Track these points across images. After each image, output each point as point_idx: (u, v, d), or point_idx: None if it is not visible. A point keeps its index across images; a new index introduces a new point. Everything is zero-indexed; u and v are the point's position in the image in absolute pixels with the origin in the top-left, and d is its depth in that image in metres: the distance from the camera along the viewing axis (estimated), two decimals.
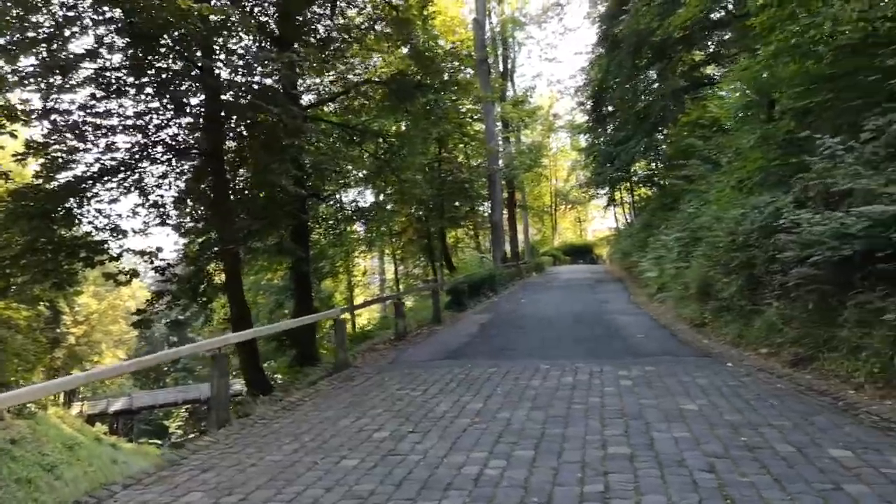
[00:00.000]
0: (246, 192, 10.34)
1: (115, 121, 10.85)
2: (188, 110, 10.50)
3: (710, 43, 26.14)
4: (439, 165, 24.02)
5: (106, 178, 10.96)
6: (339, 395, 7.15)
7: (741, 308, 9.19)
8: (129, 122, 10.88)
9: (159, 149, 11.54)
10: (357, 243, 25.69)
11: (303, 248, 10.93)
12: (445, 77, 15.24)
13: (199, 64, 8.63)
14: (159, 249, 11.28)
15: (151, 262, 10.62)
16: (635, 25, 21.97)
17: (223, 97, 9.55)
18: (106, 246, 10.54)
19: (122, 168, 11.03)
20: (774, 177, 10.33)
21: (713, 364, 7.85)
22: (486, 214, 29.55)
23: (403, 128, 18.65)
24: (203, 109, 10.83)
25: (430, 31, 18.73)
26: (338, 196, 20.21)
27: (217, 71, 10.18)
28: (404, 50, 16.37)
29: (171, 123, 11.44)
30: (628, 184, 36.28)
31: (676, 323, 11.74)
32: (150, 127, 11.24)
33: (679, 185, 19.77)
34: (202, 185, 11.26)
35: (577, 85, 41.26)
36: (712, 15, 23.77)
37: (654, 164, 29.50)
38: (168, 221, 12.02)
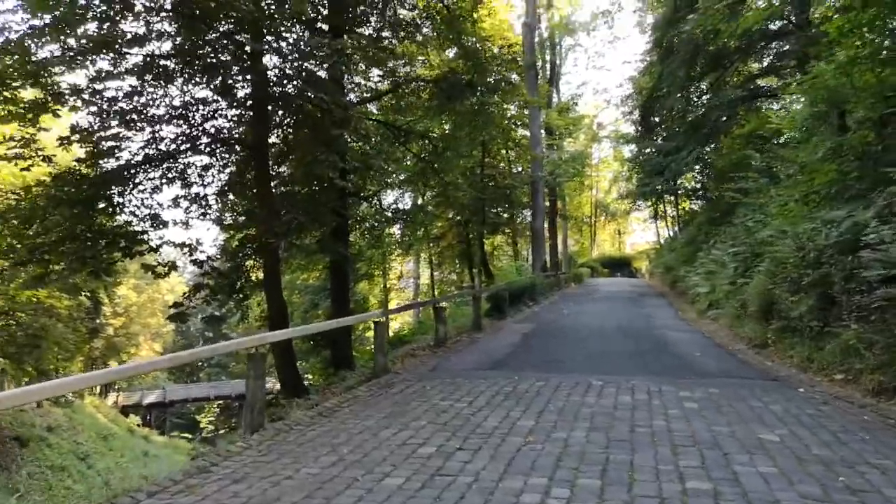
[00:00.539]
0: (289, 186, 10.01)
1: (161, 109, 10.69)
2: (235, 100, 10.25)
3: (767, 54, 25.21)
4: (482, 170, 23.58)
5: (149, 167, 10.81)
6: (378, 403, 6.72)
7: (811, 329, 8.50)
8: (176, 111, 10.69)
9: (204, 139, 11.36)
10: (394, 246, 25.39)
11: (343, 248, 10.58)
12: (494, 79, 14.78)
13: (248, 48, 8.34)
14: (199, 242, 11.07)
15: (191, 255, 10.39)
16: (694, 31, 21.20)
17: (271, 86, 9.26)
18: (146, 236, 10.36)
19: (166, 158, 10.85)
20: (851, 190, 9.59)
21: (782, 388, 7.20)
22: (526, 222, 29.03)
23: (448, 130, 18.23)
24: (250, 101, 10.58)
25: (480, 32, 18.34)
26: (378, 197, 19.90)
27: (266, 56, 9.96)
28: (451, 53, 16.08)
29: (217, 114, 11.26)
30: (673, 196, 35.40)
31: (733, 342, 11.04)
32: (196, 116, 11.06)
33: (731, 199, 18.95)
34: (245, 179, 11.01)
35: (624, 94, 40.68)
36: (771, 25, 22.95)
37: (702, 176, 28.60)
38: (209, 214, 11.81)
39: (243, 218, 12.20)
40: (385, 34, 13.47)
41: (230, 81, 9.36)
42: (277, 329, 10.23)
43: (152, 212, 10.15)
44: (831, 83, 12.99)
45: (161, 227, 10.12)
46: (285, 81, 9.10)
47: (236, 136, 10.91)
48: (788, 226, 11.28)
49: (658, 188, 27.52)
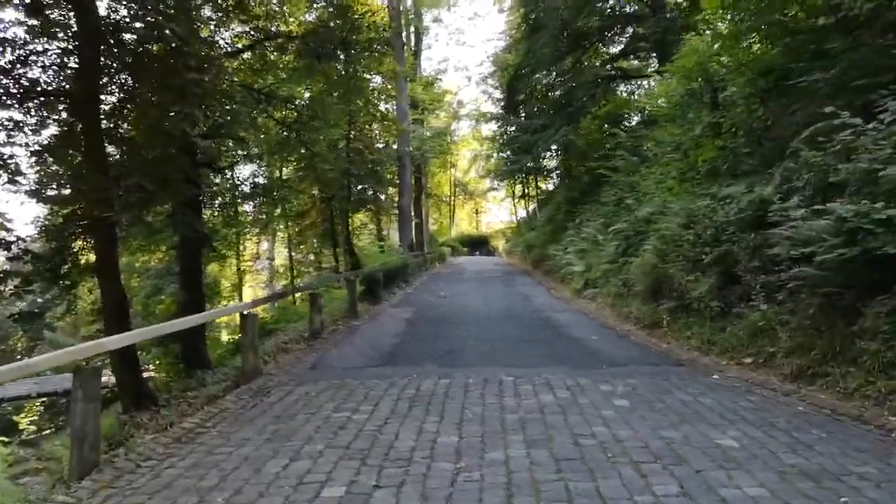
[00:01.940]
0: (130, 148, 8.04)
1: None
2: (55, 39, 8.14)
3: (624, 37, 25.91)
4: (348, 144, 22.07)
5: None
6: (254, 419, 5.39)
7: (711, 310, 8.25)
8: None
9: (13, 90, 9.06)
10: (251, 224, 23.24)
11: (200, 225, 8.89)
12: (368, 37, 13.47)
13: None
14: (6, 220, 8.85)
15: None
16: (561, 8, 21.09)
17: (104, 21, 7.33)
18: None
19: None
20: (743, 166, 9.50)
21: (696, 375, 6.79)
22: (391, 200, 27.96)
23: (314, 96, 16.60)
24: (74, 41, 8.51)
25: None
26: (233, 169, 17.85)
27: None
28: (311, 15, 14.52)
29: (30, 60, 9.00)
30: (534, 176, 35.97)
31: (621, 323, 10.77)
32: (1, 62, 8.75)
33: (601, 176, 19.14)
34: (72, 139, 8.90)
35: (486, 72, 40.69)
36: (628, 8, 23.54)
37: (563, 154, 28.99)
38: (21, 183, 9.51)
39: (69, 190, 10.02)
40: None
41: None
42: (115, 324, 8.38)
43: None
44: (706, 60, 13.12)
45: None
46: (122, 12, 7.22)
47: (56, 86, 8.75)
48: (673, 203, 11.18)
49: (529, 165, 27.54)
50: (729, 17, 11.19)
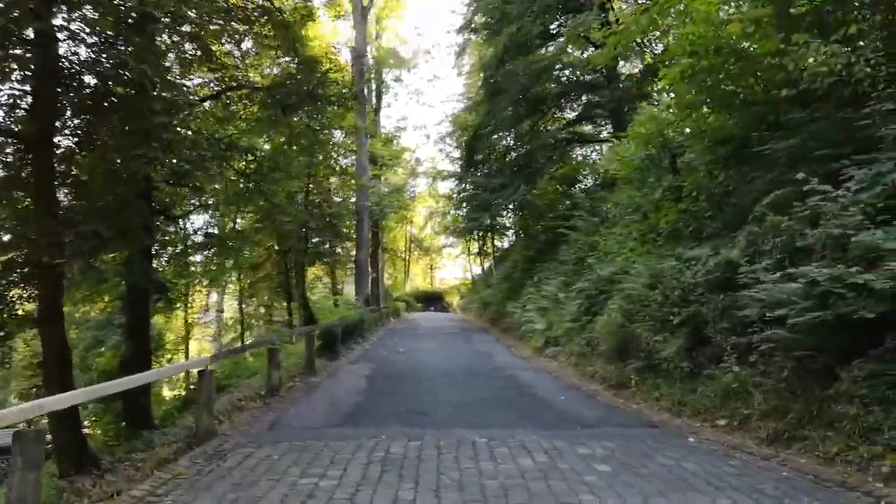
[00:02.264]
0: (84, 192, 7.54)
1: None
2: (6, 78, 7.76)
3: (580, 104, 26.77)
4: (306, 196, 21.82)
5: None
6: (212, 487, 4.95)
7: (681, 370, 8.19)
8: None
9: None
10: (202, 275, 22.51)
11: (154, 274, 8.39)
12: (336, 91, 13.46)
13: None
14: None
15: None
16: (521, 74, 21.69)
17: (63, 59, 7.01)
18: None
19: None
20: (707, 229, 9.65)
21: (672, 438, 6.65)
22: (348, 253, 27.65)
23: (274, 148, 16.41)
24: (27, 83, 8.16)
25: (311, 50, 16.92)
26: (189, 219, 17.32)
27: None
28: (275, 68, 14.49)
29: None
30: (491, 233, 36.27)
31: (586, 382, 10.62)
32: None
33: (559, 234, 19.35)
34: (18, 181, 8.43)
35: (444, 132, 41.38)
36: (586, 77, 24.38)
37: (519, 214, 29.29)
38: None
39: (8, 236, 9.45)
40: (213, 25, 11.47)
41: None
42: (55, 377, 7.79)
43: None
44: (663, 127, 13.54)
45: None
46: (82, 51, 6.91)
47: (4, 127, 8.34)
48: (636, 263, 11.27)
49: (487, 223, 27.71)
50: (685, 87, 11.61)
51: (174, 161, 6.44)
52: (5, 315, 9.83)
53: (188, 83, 12.54)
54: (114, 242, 5.64)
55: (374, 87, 32.17)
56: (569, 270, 17.04)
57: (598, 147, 27.57)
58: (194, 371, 7.00)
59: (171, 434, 7.91)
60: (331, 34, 28.78)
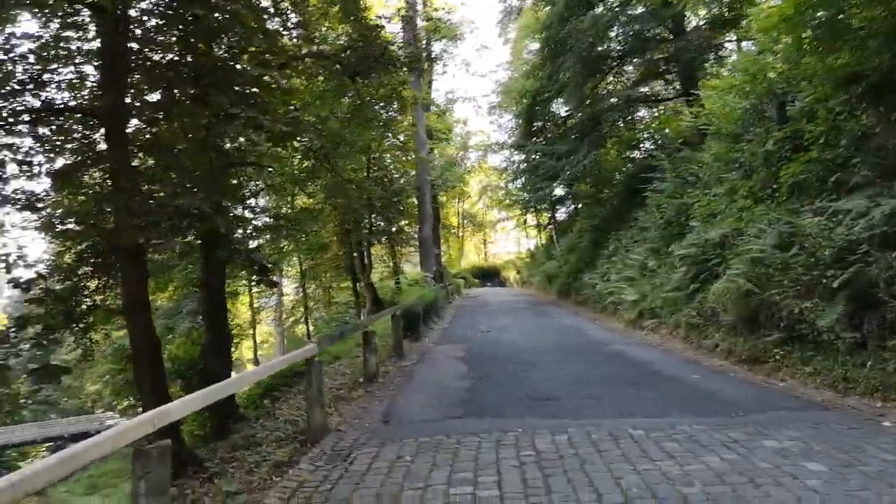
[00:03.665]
0: (174, 163, 6.85)
1: None
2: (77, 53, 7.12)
3: (644, 60, 25.21)
4: (368, 174, 21.08)
5: None
6: (352, 501, 4.18)
7: (843, 341, 7.07)
8: None
9: (26, 115, 8.05)
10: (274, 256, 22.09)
11: (264, 258, 7.67)
12: (402, 54, 12.57)
13: None
14: (22, 255, 7.68)
15: (7, 272, 7.00)
16: (589, 30, 20.34)
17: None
18: None
19: None
20: (855, 177, 8.40)
21: (861, 423, 5.59)
22: (409, 231, 26.92)
23: (340, 119, 15.65)
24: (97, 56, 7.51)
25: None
26: (253, 201, 16.79)
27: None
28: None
29: (42, 78, 7.98)
30: (550, 204, 35.02)
31: (707, 358, 9.57)
32: (12, 81, 7.75)
33: (625, 202, 18.19)
34: (87, 163, 7.83)
35: (494, 103, 40.16)
36: (648, 33, 22.82)
37: (585, 182, 28.03)
38: (38, 217, 8.46)
39: (81, 224, 8.91)
40: None
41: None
42: (145, 373, 7.22)
43: None
44: (765, 74, 12.24)
45: None
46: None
47: (78, 101, 7.73)
48: (752, 223, 10.13)
49: (555, 193, 26.59)
50: (790, 26, 10.27)
51: (268, 125, 5.67)
52: (84, 307, 9.37)
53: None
54: (208, 218, 4.93)
55: (424, 57, 31.07)
56: (655, 237, 15.85)
57: (659, 107, 25.99)
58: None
59: (268, 428, 7.28)
60: (377, 3, 27.87)
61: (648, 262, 15.06)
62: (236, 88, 5.09)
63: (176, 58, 7.17)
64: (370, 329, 8.83)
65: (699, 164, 15.50)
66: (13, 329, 6.88)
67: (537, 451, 4.98)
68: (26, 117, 8.00)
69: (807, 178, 9.68)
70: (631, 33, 23.07)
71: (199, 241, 8.36)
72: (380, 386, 8.40)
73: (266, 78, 5.56)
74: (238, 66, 5.31)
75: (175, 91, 5.90)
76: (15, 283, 6.51)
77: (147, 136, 6.72)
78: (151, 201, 5.37)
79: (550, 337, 12.72)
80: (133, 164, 6.41)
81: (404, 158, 23.41)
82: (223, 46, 6.14)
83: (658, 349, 10.73)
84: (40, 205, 8.25)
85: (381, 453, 5.20)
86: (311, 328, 29.02)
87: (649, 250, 15.59)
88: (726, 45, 22.78)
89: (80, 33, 8.09)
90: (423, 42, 30.19)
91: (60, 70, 8.22)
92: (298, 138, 13.03)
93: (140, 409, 8.84)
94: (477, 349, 11.45)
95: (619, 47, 23.99)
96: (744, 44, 21.32)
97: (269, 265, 6.60)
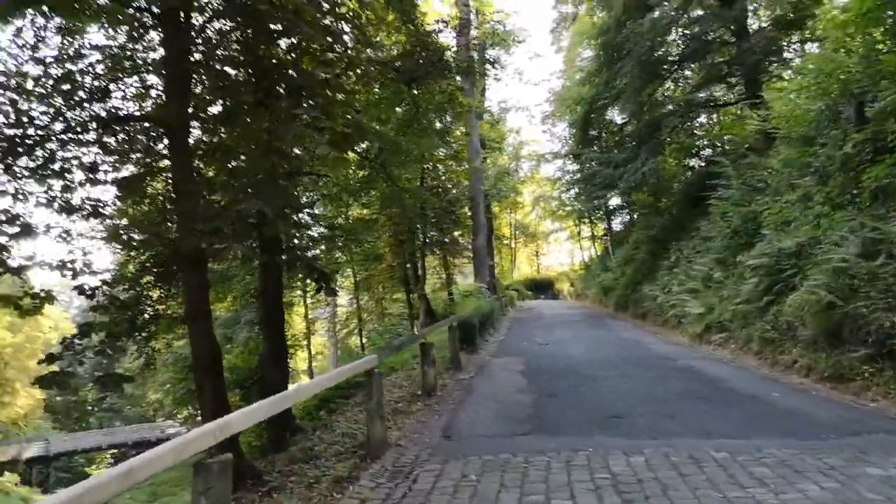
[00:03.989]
0: (234, 169, 6.82)
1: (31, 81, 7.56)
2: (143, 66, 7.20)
3: (704, 65, 24.46)
4: (422, 183, 20.99)
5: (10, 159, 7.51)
6: None
7: None
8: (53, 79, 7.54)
9: (93, 124, 8.22)
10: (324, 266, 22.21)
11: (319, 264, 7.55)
12: (458, 62, 12.43)
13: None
14: (88, 263, 7.77)
15: (73, 278, 7.08)
16: (648, 34, 19.84)
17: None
18: (4, 254, 6.99)
19: (35, 144, 7.60)
20: None
21: None
22: (462, 241, 26.69)
23: (395, 127, 15.59)
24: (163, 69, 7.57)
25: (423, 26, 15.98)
26: (307, 211, 16.86)
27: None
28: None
29: (108, 90, 8.14)
30: (608, 214, 34.32)
31: (784, 374, 8.99)
32: (80, 91, 7.92)
33: (685, 211, 17.52)
34: (151, 173, 7.90)
35: (546, 112, 39.73)
36: (709, 36, 22.11)
37: (642, 190, 27.29)
38: (102, 226, 8.60)
39: (144, 233, 9.03)
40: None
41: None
42: (206, 381, 7.17)
43: (11, 214, 6.77)
44: (842, 73, 11.64)
45: (26, 235, 6.69)
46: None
47: (140, 113, 7.84)
48: (830, 231, 9.55)
49: (612, 202, 26.02)
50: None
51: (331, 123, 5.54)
52: (147, 315, 9.48)
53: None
54: (270, 223, 4.82)
55: (478, 62, 30.95)
56: (720, 246, 15.18)
57: (720, 113, 25.14)
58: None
59: (328, 441, 7.12)
60: (432, 13, 27.93)
61: (714, 273, 14.42)
62: (298, 89, 4.96)
63: (238, 59, 7.18)
64: (428, 341, 8.60)
65: (767, 171, 14.81)
66: (77, 337, 6.93)
67: (612, 473, 4.65)
68: (93, 125, 8.18)
69: (892, 182, 9.04)
70: (691, 36, 22.47)
71: (258, 248, 8.36)
72: (438, 399, 8.16)
73: (328, 78, 5.44)
74: (299, 68, 5.19)
75: (237, 97, 5.83)
76: (80, 290, 6.54)
77: (209, 142, 6.70)
78: (214, 207, 5.29)
79: (611, 351, 12.25)
80: (195, 171, 6.40)
81: (458, 168, 23.25)
82: (284, 48, 6.09)
83: (730, 365, 10.16)
84: (105, 211, 8.39)
85: (444, 471, 4.96)
86: (365, 340, 29.10)
87: (714, 261, 14.94)
88: (793, 47, 22.00)
89: (146, 43, 8.25)
90: (477, 50, 30.17)
91: (126, 80, 8.40)
92: (357, 146, 13.04)
93: (199, 419, 8.87)
94: (536, 362, 11.10)
95: (678, 51, 23.44)
96: (808, 45, 20.54)
97: (329, 272, 6.43)
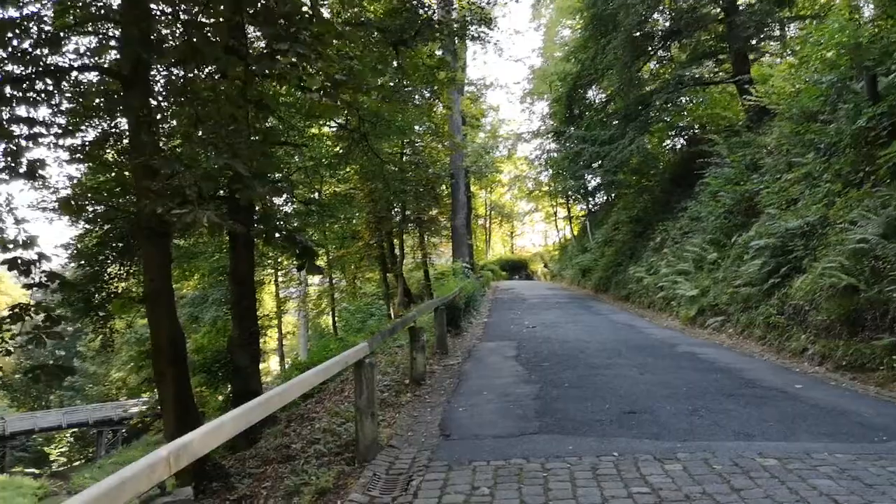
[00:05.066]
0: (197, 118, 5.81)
1: None
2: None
3: (693, 41, 23.85)
4: (401, 158, 20.07)
5: None
6: None
7: None
8: None
9: (38, 84, 7.22)
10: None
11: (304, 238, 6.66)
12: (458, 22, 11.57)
13: None
14: (29, 239, 6.78)
15: (4, 251, 6.10)
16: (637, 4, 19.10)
17: None
18: None
19: None
20: None
21: None
22: (440, 219, 25.87)
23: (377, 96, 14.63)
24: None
25: None
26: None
27: None
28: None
29: (55, 41, 7.10)
30: (581, 193, 33.72)
31: (796, 362, 8.43)
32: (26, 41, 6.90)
33: (670, 191, 16.97)
34: (110, 135, 6.92)
35: (525, 90, 38.89)
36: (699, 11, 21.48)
37: (623, 170, 26.71)
38: (52, 196, 7.63)
39: (100, 204, 8.06)
40: None
41: None
42: (167, 369, 6.31)
43: None
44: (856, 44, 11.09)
45: None
46: None
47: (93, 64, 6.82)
48: (850, 208, 8.97)
49: (597, 181, 25.41)
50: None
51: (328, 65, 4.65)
52: (103, 294, 8.60)
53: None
54: (246, 184, 3.96)
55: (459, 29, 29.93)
56: (713, 227, 14.63)
57: (708, 90, 24.61)
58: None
59: (306, 437, 6.32)
60: None
61: (707, 254, 13.87)
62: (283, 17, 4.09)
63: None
64: (418, 325, 7.81)
65: (764, 148, 14.27)
66: (7, 321, 5.96)
67: (650, 485, 3.94)
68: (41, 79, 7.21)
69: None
70: (681, 10, 21.79)
71: (230, 217, 7.43)
72: (429, 389, 7.40)
73: (313, 15, 4.54)
74: None
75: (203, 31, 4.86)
76: (11, 264, 5.59)
77: (170, 88, 5.76)
78: (174, 162, 4.38)
79: (605, 335, 11.62)
80: (154, 123, 5.46)
81: (438, 145, 22.36)
82: None
83: (733, 352, 9.59)
84: (46, 175, 7.40)
85: (449, 481, 4.21)
86: (337, 319, 28.26)
87: (708, 241, 14.39)
88: (789, 26, 21.62)
89: None
90: (457, 20, 29.13)
91: (81, 30, 7.39)
92: (350, 98, 12.13)
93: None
94: (529, 347, 10.40)
95: (667, 25, 22.78)
96: (798, 22, 20.09)
97: (313, 247, 5.58)
